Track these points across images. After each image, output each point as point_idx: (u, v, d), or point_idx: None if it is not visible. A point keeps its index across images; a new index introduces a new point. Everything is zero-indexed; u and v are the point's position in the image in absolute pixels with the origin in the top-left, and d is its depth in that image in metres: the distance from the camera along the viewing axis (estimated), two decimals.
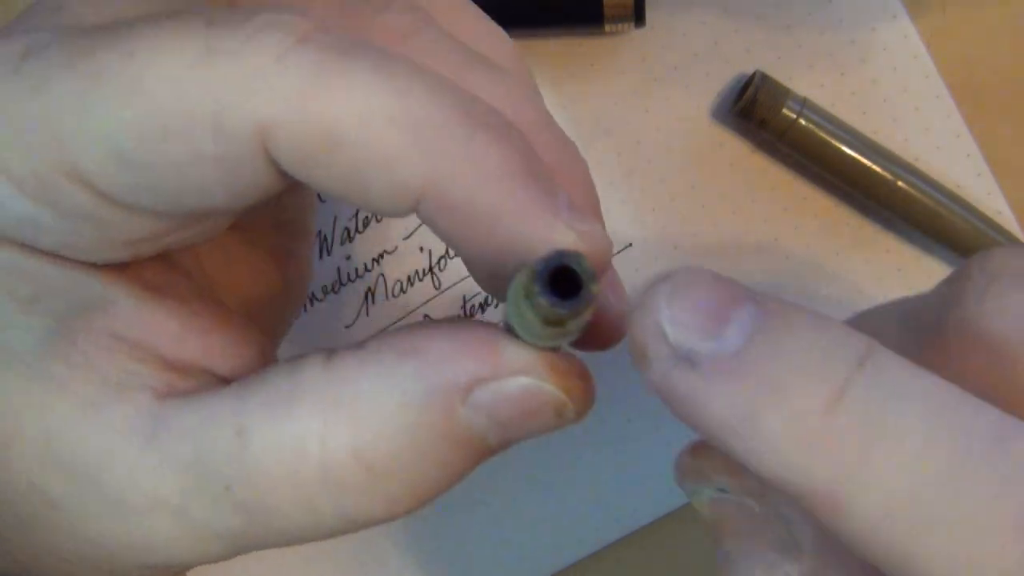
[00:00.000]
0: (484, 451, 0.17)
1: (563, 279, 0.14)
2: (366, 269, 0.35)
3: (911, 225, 0.33)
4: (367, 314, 0.35)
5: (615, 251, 0.34)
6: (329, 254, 0.35)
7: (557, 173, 0.18)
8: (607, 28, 0.31)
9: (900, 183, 0.32)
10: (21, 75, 0.17)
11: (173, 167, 0.16)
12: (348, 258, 0.35)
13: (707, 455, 0.17)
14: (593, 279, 0.14)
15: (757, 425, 0.14)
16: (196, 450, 0.17)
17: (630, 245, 0.34)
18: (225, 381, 0.19)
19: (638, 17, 0.31)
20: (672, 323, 0.15)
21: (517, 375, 0.17)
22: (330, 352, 0.18)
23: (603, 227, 0.17)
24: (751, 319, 0.15)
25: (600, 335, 0.18)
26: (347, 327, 0.35)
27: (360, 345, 0.18)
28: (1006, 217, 0.33)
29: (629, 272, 0.34)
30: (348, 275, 0.35)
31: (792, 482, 0.14)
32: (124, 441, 0.18)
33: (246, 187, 0.17)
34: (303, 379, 0.17)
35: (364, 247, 0.35)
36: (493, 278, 0.17)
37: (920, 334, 0.18)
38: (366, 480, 0.17)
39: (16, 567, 0.21)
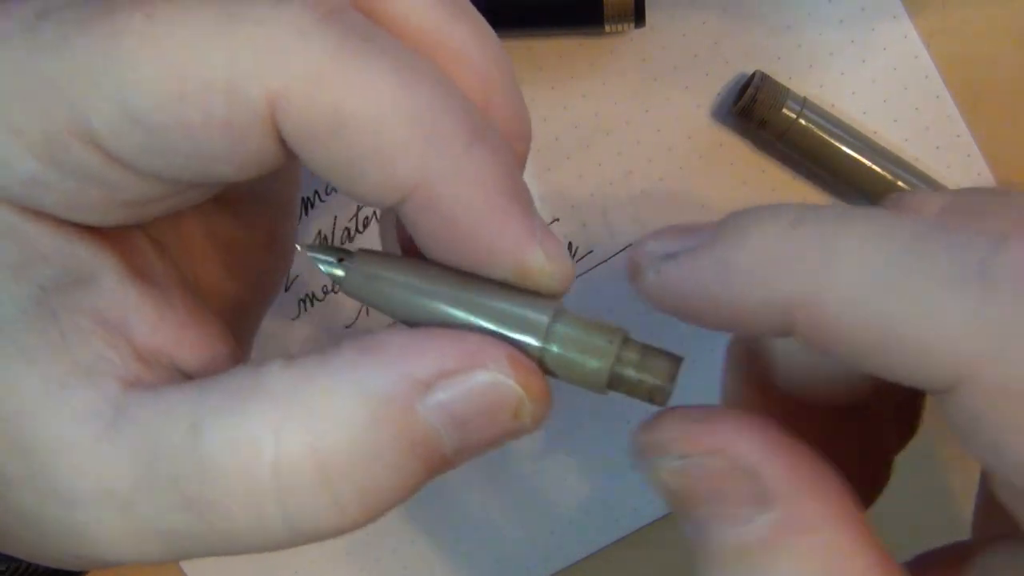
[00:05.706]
0: (438, 459, 0.17)
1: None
2: None
3: None
4: (367, 314, 0.35)
5: (615, 251, 0.34)
6: None
7: (508, 128, 0.20)
8: (607, 28, 0.31)
9: (900, 183, 0.32)
10: (36, 35, 0.17)
11: (184, 130, 0.16)
12: None
13: (660, 426, 0.18)
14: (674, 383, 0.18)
15: (730, 266, 0.16)
16: (150, 442, 0.17)
17: (630, 245, 0.34)
18: (190, 378, 0.19)
19: (638, 17, 0.31)
20: (656, 241, 0.18)
21: (478, 369, 0.17)
22: (293, 356, 0.18)
23: (564, 249, 0.18)
24: (713, 226, 0.17)
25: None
26: (347, 327, 0.35)
27: (323, 348, 0.18)
28: None
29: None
30: None
31: (772, 302, 0.16)
32: (82, 427, 0.17)
33: (250, 157, 0.17)
34: (262, 378, 0.17)
35: (364, 247, 0.34)
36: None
37: None
38: (318, 482, 0.16)
39: None
